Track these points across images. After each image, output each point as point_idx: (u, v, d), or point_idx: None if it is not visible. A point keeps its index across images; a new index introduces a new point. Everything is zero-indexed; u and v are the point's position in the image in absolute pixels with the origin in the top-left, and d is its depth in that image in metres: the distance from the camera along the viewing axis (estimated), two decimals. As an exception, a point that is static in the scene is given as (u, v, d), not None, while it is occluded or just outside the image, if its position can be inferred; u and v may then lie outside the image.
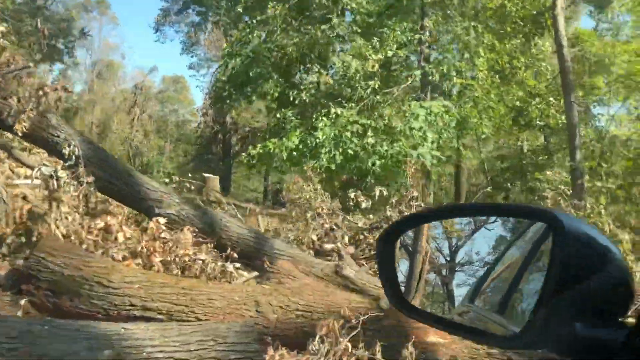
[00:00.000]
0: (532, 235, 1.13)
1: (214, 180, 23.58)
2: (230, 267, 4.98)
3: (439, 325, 1.14)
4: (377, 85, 14.44)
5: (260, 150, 13.84)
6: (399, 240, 1.17)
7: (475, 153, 20.80)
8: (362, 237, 8.19)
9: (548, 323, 0.86)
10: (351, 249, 8.01)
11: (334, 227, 8.40)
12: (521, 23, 16.69)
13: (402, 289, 1.18)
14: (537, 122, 17.67)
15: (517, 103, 17.47)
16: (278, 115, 15.74)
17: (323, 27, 13.93)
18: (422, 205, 8.65)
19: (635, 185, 13.76)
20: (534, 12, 16.41)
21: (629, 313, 0.88)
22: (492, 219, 1.22)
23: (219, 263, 4.97)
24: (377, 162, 12.39)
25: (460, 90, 15.09)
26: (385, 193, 8.65)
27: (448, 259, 1.37)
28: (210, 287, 4.50)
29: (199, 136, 34.51)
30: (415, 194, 8.63)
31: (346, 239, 8.03)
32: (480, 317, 1.18)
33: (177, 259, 4.73)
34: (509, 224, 1.23)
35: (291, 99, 15.56)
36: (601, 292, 0.87)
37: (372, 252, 8.17)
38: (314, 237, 7.98)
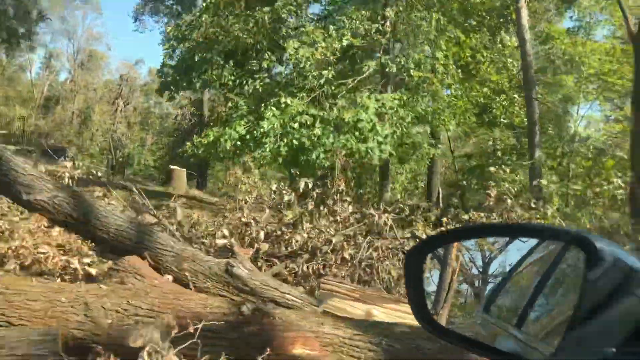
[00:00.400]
0: (553, 253, 1.13)
1: (180, 173, 22.74)
2: (75, 262, 4.29)
3: (466, 345, 1.16)
4: (331, 75, 13.79)
5: (205, 140, 13.14)
6: (427, 258, 1.17)
7: (446, 152, 20.28)
8: (279, 233, 7.56)
9: (579, 348, 0.85)
10: (265, 246, 7.38)
11: (252, 221, 7.77)
12: (486, 16, 16.12)
13: (430, 304, 1.18)
14: (502, 119, 17.13)
15: (481, 99, 16.91)
16: (230, 105, 15.04)
17: (266, 8, 13.22)
18: (349, 199, 8.06)
19: (592, 186, 13.24)
20: (498, 5, 15.84)
21: None
22: None
23: (63, 258, 4.28)
24: (322, 155, 11.75)
25: (419, 84, 14.47)
26: (310, 185, 8.00)
27: (481, 270, 1.38)
28: (33, 285, 3.83)
29: (176, 128, 34.02)
30: (342, 187, 8.02)
31: (262, 235, 7.40)
32: (497, 330, 1.19)
33: (10, 251, 4.04)
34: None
35: (246, 87, 14.92)
36: (633, 317, 0.85)
37: (291, 250, 7.58)
38: (226, 232, 7.36)
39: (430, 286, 1.25)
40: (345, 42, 13.77)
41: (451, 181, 21.07)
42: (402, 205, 11.26)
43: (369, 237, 7.50)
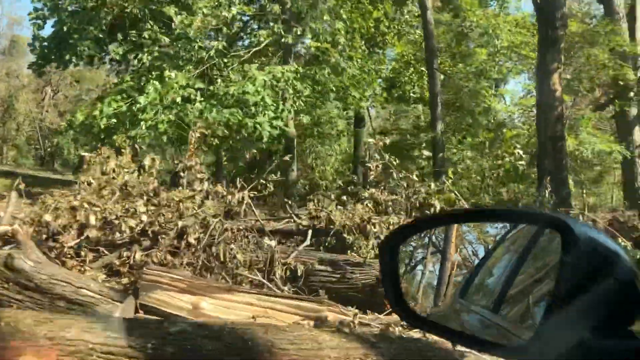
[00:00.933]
0: (527, 237, 1.12)
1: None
2: None
3: (445, 334, 1.21)
4: (221, 47, 12.75)
5: (78, 118, 11.85)
6: (402, 247, 1.17)
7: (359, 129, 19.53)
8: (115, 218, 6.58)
9: (557, 332, 0.83)
10: (94, 233, 6.40)
11: (86, 205, 6.74)
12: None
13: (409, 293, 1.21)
14: (411, 94, 16.55)
15: (390, 73, 16.25)
16: (116, 81, 13.77)
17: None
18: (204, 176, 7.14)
19: (495, 158, 12.89)
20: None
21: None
22: None
23: None
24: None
25: (318, 56, 13.62)
26: (158, 162, 7.04)
27: (459, 256, 1.37)
28: None
29: (105, 115, 31.97)
30: (193, 163, 7.10)
31: (92, 219, 6.41)
32: (474, 317, 1.17)
33: None
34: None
35: (135, 61, 13.71)
36: (611, 299, 0.84)
37: (130, 236, 6.63)
38: (48, 218, 6.34)
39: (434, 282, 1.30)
40: (234, 11, 12.75)
41: (363, 159, 20.49)
42: (302, 185, 10.57)
43: (219, 219, 6.64)
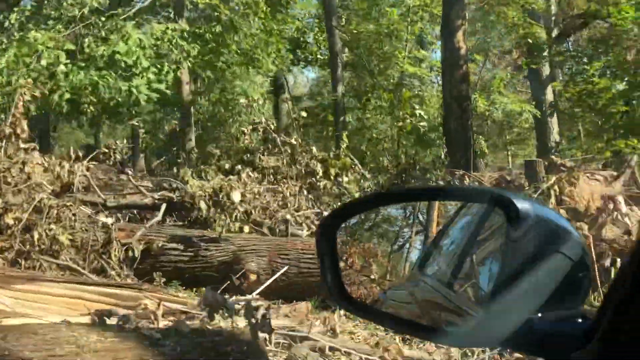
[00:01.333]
0: (478, 214, 1.08)
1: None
2: None
3: (388, 323, 1.22)
4: (96, 3, 11.48)
5: None
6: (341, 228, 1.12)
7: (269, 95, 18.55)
8: None
9: (505, 314, 0.81)
10: None
11: None
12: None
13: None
14: (319, 56, 15.72)
15: (294, 34, 15.34)
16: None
17: None
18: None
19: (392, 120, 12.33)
20: None
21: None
22: None
23: None
24: (66, 96, 9.63)
25: (209, 14, 12.57)
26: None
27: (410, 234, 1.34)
28: None
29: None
30: (18, 131, 6.07)
31: None
32: (431, 292, 1.12)
33: None
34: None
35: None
36: (560, 277, 0.83)
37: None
38: None
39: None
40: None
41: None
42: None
43: (46, 195, 5.69)
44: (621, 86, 13.78)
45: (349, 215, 1.16)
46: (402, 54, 16.94)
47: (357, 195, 8.98)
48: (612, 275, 5.95)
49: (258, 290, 5.72)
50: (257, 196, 7.22)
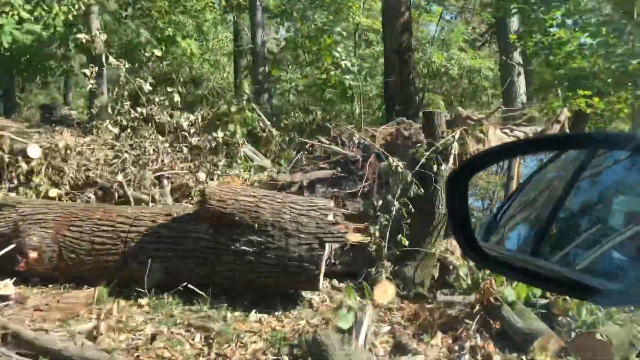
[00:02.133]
0: (573, 164, 1.08)
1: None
2: None
3: (518, 275, 1.09)
4: None
5: None
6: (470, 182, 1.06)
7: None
8: None
9: None
10: None
11: None
12: None
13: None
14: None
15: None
16: None
17: None
18: None
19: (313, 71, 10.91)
20: None
21: None
22: None
23: None
24: None
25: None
26: None
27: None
28: None
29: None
30: None
31: None
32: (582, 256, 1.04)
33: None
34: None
35: None
36: None
37: None
38: None
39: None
40: None
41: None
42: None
43: None
44: (588, 40, 12.36)
45: (479, 166, 1.09)
46: (357, 5, 15.41)
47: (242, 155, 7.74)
48: None
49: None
50: (91, 154, 5.95)
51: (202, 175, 7.24)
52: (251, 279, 4.50)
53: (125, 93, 7.04)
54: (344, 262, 6.53)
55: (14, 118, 10.77)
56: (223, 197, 4.36)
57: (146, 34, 11.09)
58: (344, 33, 11.02)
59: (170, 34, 13.18)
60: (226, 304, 4.51)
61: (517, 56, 17.47)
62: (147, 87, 7.15)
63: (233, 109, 8.49)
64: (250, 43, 11.30)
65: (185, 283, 4.47)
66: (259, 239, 4.36)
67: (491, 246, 1.13)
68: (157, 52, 8.84)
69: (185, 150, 7.55)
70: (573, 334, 4.79)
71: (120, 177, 5.68)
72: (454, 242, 6.53)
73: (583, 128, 13.51)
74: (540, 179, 1.23)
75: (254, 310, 4.53)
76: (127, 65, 7.11)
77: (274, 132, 8.77)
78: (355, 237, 4.57)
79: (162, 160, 6.99)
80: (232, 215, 4.34)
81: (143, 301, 4.49)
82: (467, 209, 1.04)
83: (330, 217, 4.51)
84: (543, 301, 5.15)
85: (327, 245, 4.44)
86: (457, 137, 6.34)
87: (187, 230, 4.49)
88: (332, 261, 6.52)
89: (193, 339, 4.09)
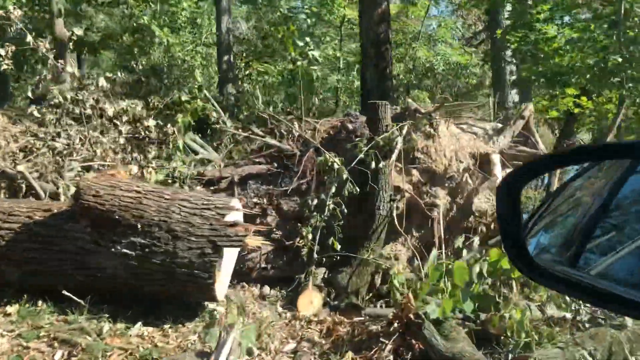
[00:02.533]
0: (614, 173, 1.03)
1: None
2: None
3: (567, 289, 1.04)
4: None
5: None
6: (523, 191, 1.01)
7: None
8: None
9: None
10: None
11: None
12: None
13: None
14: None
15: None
16: None
17: None
18: None
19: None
20: None
21: None
22: None
23: None
24: None
25: None
26: None
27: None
28: None
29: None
30: None
31: None
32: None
33: None
34: None
35: None
36: None
37: None
38: None
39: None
40: None
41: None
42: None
43: None
44: (575, 35, 11.71)
45: (535, 173, 1.04)
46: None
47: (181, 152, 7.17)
48: None
49: None
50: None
51: (134, 168, 6.69)
52: (136, 286, 3.92)
53: (49, 75, 6.48)
54: (277, 267, 5.95)
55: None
56: (99, 191, 3.79)
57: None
58: (309, 21, 10.37)
59: (146, 22, 12.61)
60: (107, 315, 3.94)
61: (509, 54, 16.83)
62: (76, 71, 6.59)
63: (184, 97, 7.98)
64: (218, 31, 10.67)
65: (62, 290, 3.90)
66: (142, 241, 3.78)
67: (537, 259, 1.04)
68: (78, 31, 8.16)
69: (122, 140, 7.01)
70: (510, 356, 4.22)
71: (22, 167, 5.11)
72: (398, 247, 5.94)
73: (573, 129, 12.89)
74: (576, 190, 1.17)
75: (139, 323, 3.96)
76: (51, 47, 6.54)
77: (228, 123, 8.19)
78: (255, 241, 3.98)
79: (95, 151, 6.44)
80: (112, 212, 3.76)
81: (12, 309, 3.92)
82: (520, 218, 0.98)
83: (230, 218, 3.91)
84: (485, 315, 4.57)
85: (224, 250, 3.85)
86: (404, 131, 5.75)
87: (64, 228, 3.92)
88: (264, 265, 5.96)
89: (53, 356, 3.52)
